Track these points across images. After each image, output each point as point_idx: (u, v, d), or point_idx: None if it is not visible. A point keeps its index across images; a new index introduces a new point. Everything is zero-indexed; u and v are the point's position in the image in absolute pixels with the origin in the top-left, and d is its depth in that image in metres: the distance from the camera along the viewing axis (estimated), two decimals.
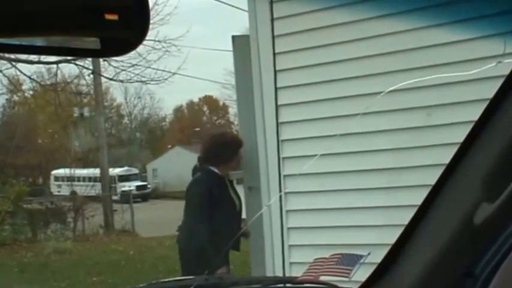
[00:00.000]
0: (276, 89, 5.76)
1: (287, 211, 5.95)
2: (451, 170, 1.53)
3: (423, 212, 1.60)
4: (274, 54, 5.68)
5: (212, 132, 24.08)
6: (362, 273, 1.86)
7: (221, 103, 62.20)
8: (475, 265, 1.53)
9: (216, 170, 6.15)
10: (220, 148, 6.23)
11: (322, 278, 2.00)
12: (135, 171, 47.33)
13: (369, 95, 5.30)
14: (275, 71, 5.74)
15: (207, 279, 1.97)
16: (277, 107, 5.80)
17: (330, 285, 2.03)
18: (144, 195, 40.55)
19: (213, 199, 6.03)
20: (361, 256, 1.96)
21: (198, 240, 6.00)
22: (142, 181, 46.12)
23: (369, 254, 1.96)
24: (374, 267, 1.76)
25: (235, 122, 57.52)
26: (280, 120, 5.99)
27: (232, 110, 59.00)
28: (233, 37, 6.68)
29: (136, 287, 1.96)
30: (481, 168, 1.45)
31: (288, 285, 2.15)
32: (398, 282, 1.65)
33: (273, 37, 5.75)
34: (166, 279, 2.01)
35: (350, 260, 1.96)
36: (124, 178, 42.71)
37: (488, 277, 1.51)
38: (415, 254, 1.63)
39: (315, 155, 5.60)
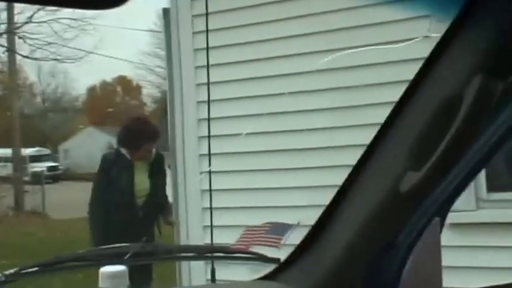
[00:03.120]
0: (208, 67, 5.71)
1: (202, 190, 5.99)
2: (376, 142, 1.56)
3: (348, 186, 1.63)
4: (207, 30, 5.62)
5: (133, 115, 23.78)
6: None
7: (134, 83, 61.56)
8: (398, 236, 1.56)
9: (122, 151, 6.16)
10: (131, 133, 6.23)
11: (254, 247, 2.05)
12: (46, 151, 46.57)
13: (296, 74, 5.41)
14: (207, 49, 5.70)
15: (143, 247, 2.02)
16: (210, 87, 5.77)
17: (258, 255, 2.07)
18: (55, 177, 39.95)
19: (107, 179, 6.09)
20: (291, 225, 2.01)
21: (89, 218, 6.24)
22: (53, 162, 45.44)
23: (298, 223, 1.99)
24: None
25: (148, 103, 57.10)
26: (199, 100, 6.06)
27: (146, 90, 58.58)
28: (164, 10, 6.50)
29: (78, 252, 2.00)
30: (407, 138, 1.49)
31: (219, 254, 2.19)
32: (321, 256, 1.68)
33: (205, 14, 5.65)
34: (104, 247, 2.06)
35: (280, 230, 2.01)
36: (35, 159, 41.96)
37: (409, 248, 1.57)
38: (339, 227, 1.65)
39: (233, 135, 5.70)
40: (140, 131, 6.17)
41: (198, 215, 6.05)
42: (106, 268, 1.50)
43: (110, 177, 6.05)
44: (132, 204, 6.08)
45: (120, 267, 1.51)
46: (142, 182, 6.18)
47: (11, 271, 1.92)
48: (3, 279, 1.87)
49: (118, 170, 6.07)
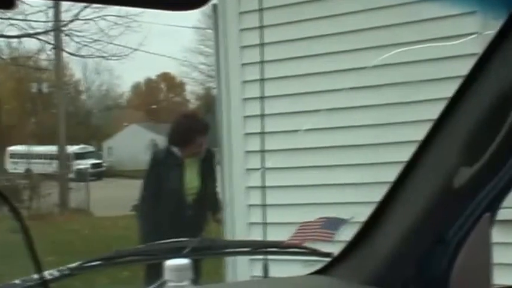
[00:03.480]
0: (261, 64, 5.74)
1: (248, 187, 6.00)
2: (428, 139, 1.59)
3: (400, 182, 1.66)
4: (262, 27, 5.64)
5: (180, 112, 23.88)
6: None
7: (178, 80, 61.72)
8: (448, 232, 1.58)
9: (172, 149, 6.23)
10: (180, 130, 6.29)
11: (307, 242, 2.08)
12: (90, 149, 46.94)
13: (347, 70, 5.42)
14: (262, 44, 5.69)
15: (201, 242, 2.07)
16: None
17: (311, 250, 2.10)
18: (99, 174, 40.20)
19: (156, 176, 6.15)
20: (345, 220, 2.04)
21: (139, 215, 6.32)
22: (97, 159, 45.79)
23: (352, 217, 2.02)
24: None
25: (192, 100, 57.26)
26: (245, 96, 6.10)
27: (190, 87, 58.75)
28: (214, 6, 6.44)
29: (136, 247, 2.06)
30: (459, 134, 1.51)
31: (274, 249, 2.22)
32: (373, 251, 1.72)
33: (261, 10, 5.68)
34: (163, 241, 2.12)
35: (334, 224, 2.05)
36: (79, 156, 42.31)
37: (459, 244, 1.57)
38: (390, 223, 1.68)
39: (281, 132, 5.71)
40: (189, 127, 6.23)
41: (243, 212, 6.08)
42: (171, 261, 1.54)
43: (160, 175, 6.12)
44: (182, 202, 6.14)
45: (185, 261, 1.55)
46: (193, 179, 6.24)
47: (74, 265, 1.98)
48: (68, 272, 1.93)
49: (168, 168, 6.13)
